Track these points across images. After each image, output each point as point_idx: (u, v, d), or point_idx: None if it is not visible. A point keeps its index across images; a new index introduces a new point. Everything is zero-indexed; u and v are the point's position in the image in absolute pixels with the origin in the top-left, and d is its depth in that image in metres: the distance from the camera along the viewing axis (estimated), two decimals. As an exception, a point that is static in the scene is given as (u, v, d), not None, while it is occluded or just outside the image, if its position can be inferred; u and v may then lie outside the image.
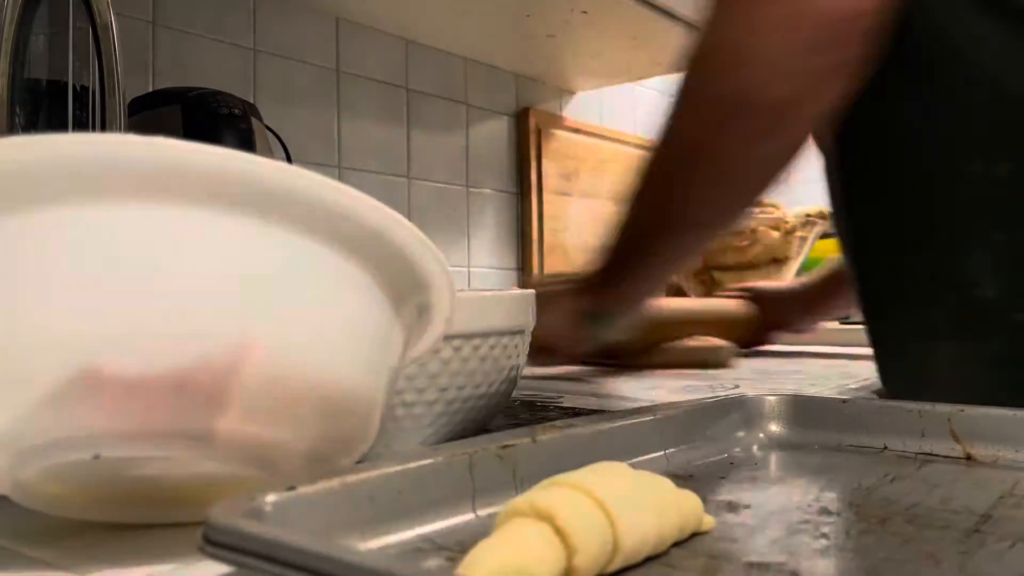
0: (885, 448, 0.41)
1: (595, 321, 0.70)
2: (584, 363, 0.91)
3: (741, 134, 0.54)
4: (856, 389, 0.69)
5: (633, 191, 0.63)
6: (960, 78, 0.53)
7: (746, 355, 1.03)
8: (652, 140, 0.60)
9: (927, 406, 0.41)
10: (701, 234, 0.64)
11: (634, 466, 0.28)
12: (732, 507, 0.31)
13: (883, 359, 0.61)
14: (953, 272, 0.54)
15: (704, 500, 0.28)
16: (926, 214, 0.56)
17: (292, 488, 0.25)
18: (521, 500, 0.24)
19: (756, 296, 1.08)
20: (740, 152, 0.55)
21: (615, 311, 0.69)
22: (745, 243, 1.30)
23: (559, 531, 0.23)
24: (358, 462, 0.30)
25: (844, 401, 0.44)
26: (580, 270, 0.72)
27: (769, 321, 1.08)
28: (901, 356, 0.60)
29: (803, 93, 0.53)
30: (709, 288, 1.29)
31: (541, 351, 0.74)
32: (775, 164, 0.57)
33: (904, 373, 0.59)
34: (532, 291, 0.50)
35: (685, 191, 0.59)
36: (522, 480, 0.31)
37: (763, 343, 1.11)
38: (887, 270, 0.59)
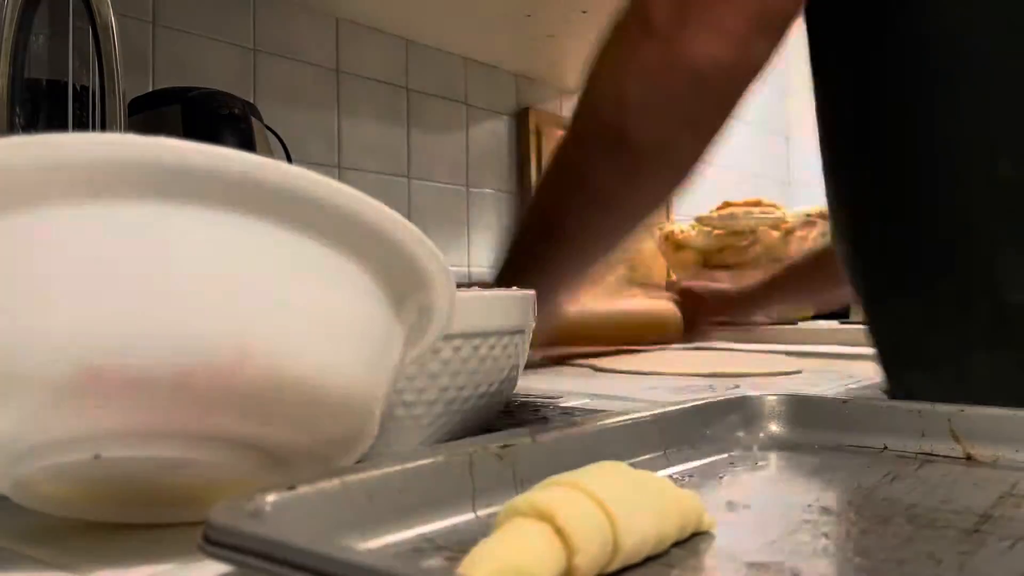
0: (885, 448, 0.41)
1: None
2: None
3: (619, 168, 0.58)
4: (856, 389, 0.69)
5: (528, 204, 0.66)
6: (982, 77, 0.53)
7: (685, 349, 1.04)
8: (551, 159, 0.64)
9: (927, 406, 0.41)
10: (587, 255, 0.66)
11: (634, 466, 0.28)
12: (732, 507, 0.31)
13: (910, 376, 0.61)
14: (984, 277, 0.54)
15: (704, 500, 0.28)
16: (958, 218, 0.55)
17: (292, 488, 0.25)
18: (521, 500, 0.24)
19: (689, 294, 1.08)
20: (619, 184, 0.59)
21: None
22: (745, 243, 1.31)
23: (559, 531, 0.23)
24: (358, 462, 0.30)
25: (844, 401, 0.44)
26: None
27: (710, 318, 1.08)
28: (933, 373, 0.59)
29: (675, 136, 0.57)
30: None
31: None
32: (651, 197, 0.62)
33: (937, 390, 0.58)
34: (532, 292, 0.50)
35: (574, 213, 0.62)
36: (522, 480, 0.31)
37: (702, 338, 1.10)
38: (917, 287, 0.58)
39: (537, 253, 0.65)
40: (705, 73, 0.54)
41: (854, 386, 0.70)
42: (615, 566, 0.24)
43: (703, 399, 0.43)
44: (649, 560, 0.25)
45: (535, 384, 0.75)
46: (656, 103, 0.55)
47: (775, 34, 0.56)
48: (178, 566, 0.26)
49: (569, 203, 0.62)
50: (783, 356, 0.95)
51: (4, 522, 0.30)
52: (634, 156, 0.57)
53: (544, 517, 0.23)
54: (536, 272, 0.64)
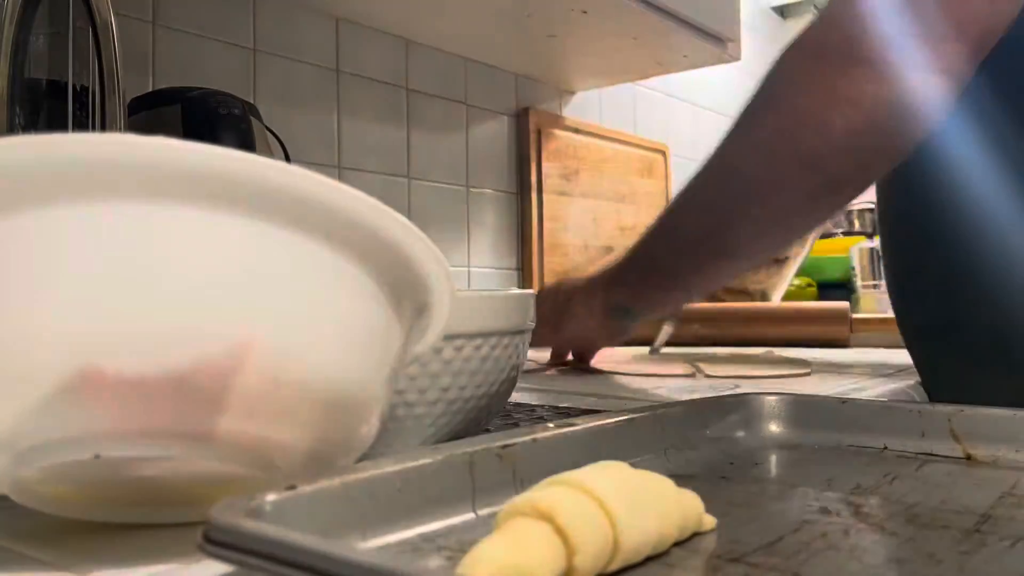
0: (885, 448, 0.41)
1: (621, 315, 0.75)
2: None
3: (808, 190, 0.59)
4: (856, 389, 0.69)
5: (680, 204, 0.67)
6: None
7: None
8: (708, 164, 0.64)
9: (927, 406, 0.41)
10: (739, 264, 0.69)
11: (634, 466, 0.28)
12: (732, 507, 0.31)
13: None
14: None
15: (704, 500, 0.28)
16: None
17: (292, 488, 0.25)
18: (521, 499, 0.24)
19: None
20: (802, 205, 0.60)
21: (641, 309, 0.74)
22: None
23: (559, 531, 0.23)
24: (358, 462, 0.30)
25: (844, 401, 0.44)
26: (602, 263, 0.79)
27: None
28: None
29: (871, 164, 0.58)
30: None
31: (571, 345, 0.82)
32: (824, 217, 0.66)
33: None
34: (532, 292, 0.50)
35: (738, 226, 0.63)
36: (522, 480, 0.31)
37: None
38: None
39: (684, 256, 0.68)
40: (915, 106, 0.54)
41: (854, 386, 0.70)
42: (615, 566, 0.24)
43: (703, 399, 0.43)
44: (649, 560, 0.25)
45: (534, 384, 0.75)
46: (860, 133, 0.55)
47: (983, 55, 0.54)
48: (178, 566, 0.26)
49: (740, 216, 0.63)
50: (790, 358, 0.95)
51: (4, 522, 0.30)
52: (827, 182, 0.58)
53: (544, 517, 0.23)
54: (675, 272, 0.70)
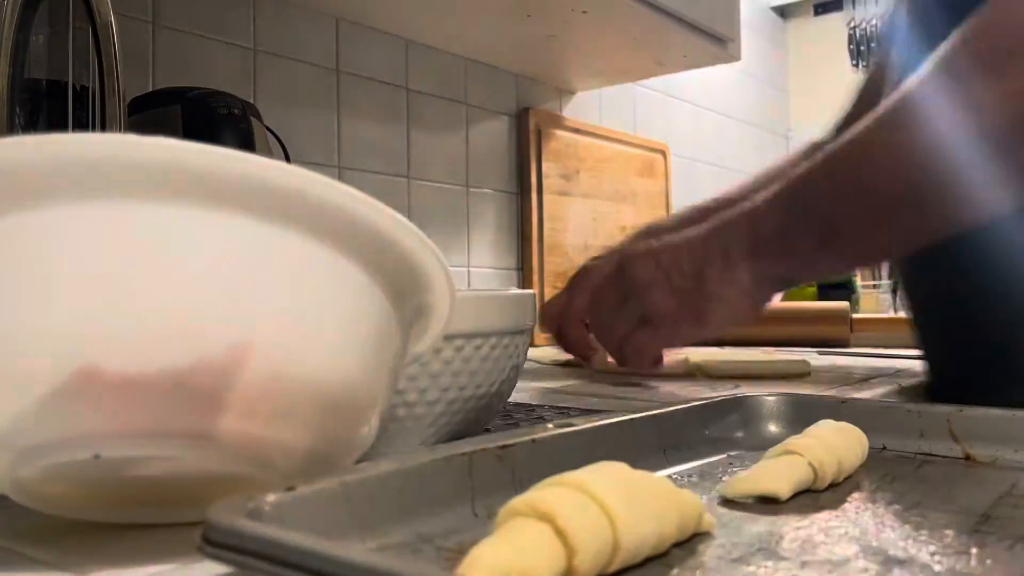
0: (885, 448, 0.41)
1: (782, 287, 0.62)
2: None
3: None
4: (856, 389, 0.69)
5: (858, 151, 0.54)
6: None
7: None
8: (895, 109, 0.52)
9: (926, 406, 0.41)
10: (922, 236, 0.55)
11: (634, 466, 0.28)
12: (732, 507, 0.31)
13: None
14: None
15: (704, 500, 0.28)
16: None
17: (292, 488, 0.25)
18: (521, 500, 0.24)
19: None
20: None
21: (805, 279, 0.61)
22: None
23: (559, 531, 0.23)
24: (358, 462, 0.30)
25: (844, 401, 0.44)
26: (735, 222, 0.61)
27: None
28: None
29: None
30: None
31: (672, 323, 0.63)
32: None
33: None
34: (532, 292, 0.50)
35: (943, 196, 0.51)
36: (522, 480, 0.31)
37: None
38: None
39: (860, 219, 0.55)
40: None
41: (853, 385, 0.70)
42: (615, 566, 0.24)
43: (703, 399, 0.43)
44: (649, 560, 0.25)
45: (534, 385, 0.75)
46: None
47: None
48: (178, 566, 0.26)
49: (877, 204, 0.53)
50: (790, 358, 0.95)
51: (4, 522, 0.30)
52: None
53: (544, 517, 0.23)
54: (842, 238, 0.56)
